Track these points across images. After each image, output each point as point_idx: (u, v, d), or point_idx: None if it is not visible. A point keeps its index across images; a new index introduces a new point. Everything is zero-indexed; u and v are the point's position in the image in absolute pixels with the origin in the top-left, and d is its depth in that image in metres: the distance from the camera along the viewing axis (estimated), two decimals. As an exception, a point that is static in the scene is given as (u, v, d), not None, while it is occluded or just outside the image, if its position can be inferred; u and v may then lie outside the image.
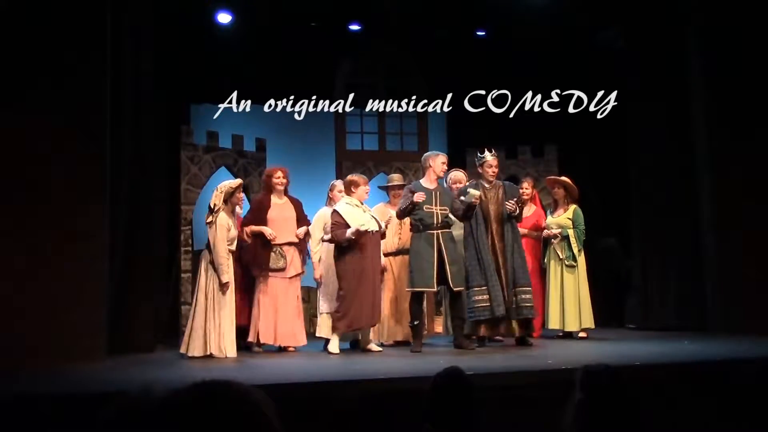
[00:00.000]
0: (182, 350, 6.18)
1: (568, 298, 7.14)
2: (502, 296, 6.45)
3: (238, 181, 6.57)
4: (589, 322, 7.16)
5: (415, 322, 6.45)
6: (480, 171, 6.86)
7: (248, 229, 6.57)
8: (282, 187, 6.79)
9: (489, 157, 6.79)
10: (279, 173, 6.80)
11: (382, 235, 6.74)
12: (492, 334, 6.70)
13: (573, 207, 7.33)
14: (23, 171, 5.79)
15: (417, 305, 6.48)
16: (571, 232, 7.22)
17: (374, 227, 6.49)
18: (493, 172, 6.78)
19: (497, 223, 6.64)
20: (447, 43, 9.16)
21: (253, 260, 6.56)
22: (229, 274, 6.22)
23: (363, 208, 6.60)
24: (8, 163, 5.78)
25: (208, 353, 6.12)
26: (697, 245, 7.70)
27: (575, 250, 7.17)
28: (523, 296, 6.55)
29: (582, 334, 7.16)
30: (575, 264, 7.17)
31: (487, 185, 6.73)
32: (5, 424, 3.82)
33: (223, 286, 6.18)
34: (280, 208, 6.71)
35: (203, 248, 6.48)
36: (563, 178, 7.56)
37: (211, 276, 6.22)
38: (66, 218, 5.86)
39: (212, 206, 6.28)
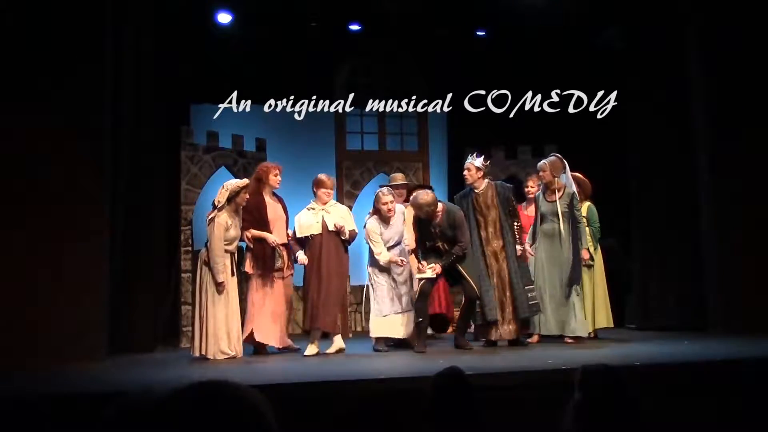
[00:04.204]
0: (195, 353, 6.09)
1: (588, 299, 6.88)
2: (496, 299, 6.43)
3: (246, 181, 6.40)
4: (605, 321, 6.98)
5: (420, 320, 6.36)
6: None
7: (249, 233, 6.43)
8: (278, 186, 6.72)
9: (468, 161, 6.71)
10: (277, 171, 6.66)
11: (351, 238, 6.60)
12: (494, 337, 6.59)
13: (587, 204, 7.10)
14: (23, 171, 5.80)
15: (422, 303, 6.38)
16: (586, 230, 6.96)
17: (315, 231, 6.42)
18: (469, 176, 6.64)
19: (492, 226, 6.59)
20: (447, 43, 9.15)
21: (264, 263, 6.43)
22: (225, 275, 6.11)
23: (317, 210, 6.51)
24: (8, 163, 5.79)
25: (199, 354, 6.04)
26: (697, 245, 7.68)
27: (591, 249, 6.90)
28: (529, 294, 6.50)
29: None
30: (592, 263, 6.91)
31: (476, 190, 6.67)
32: (5, 424, 3.82)
33: (218, 286, 6.09)
34: (273, 208, 6.62)
35: (203, 247, 6.46)
36: (577, 174, 7.21)
37: (206, 275, 6.14)
38: (66, 218, 5.86)
39: (215, 203, 6.24)
